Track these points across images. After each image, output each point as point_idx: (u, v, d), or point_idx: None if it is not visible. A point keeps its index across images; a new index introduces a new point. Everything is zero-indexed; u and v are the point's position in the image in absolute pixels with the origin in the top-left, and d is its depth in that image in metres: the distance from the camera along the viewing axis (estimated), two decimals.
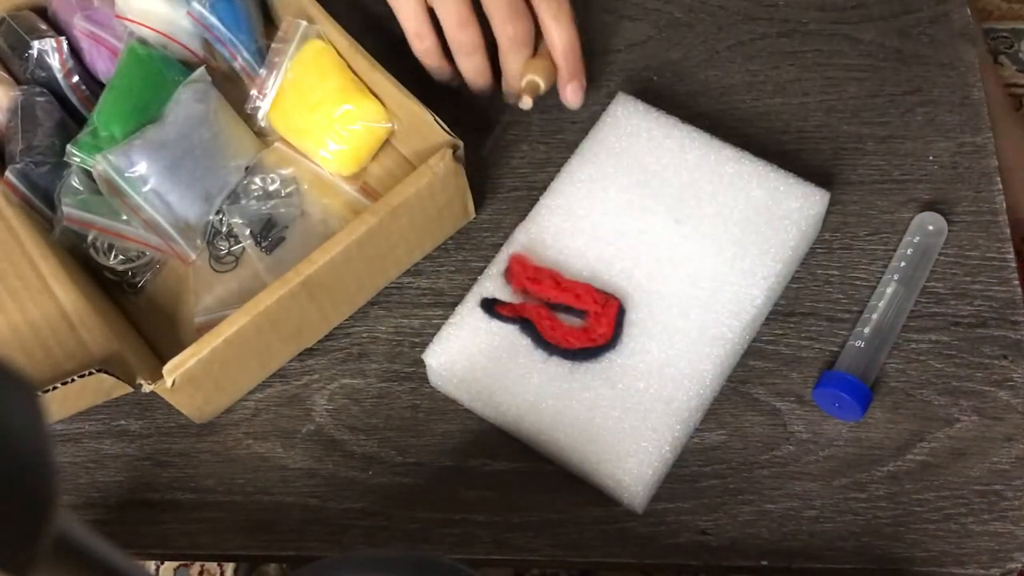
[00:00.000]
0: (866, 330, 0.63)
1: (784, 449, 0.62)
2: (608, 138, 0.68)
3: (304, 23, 0.70)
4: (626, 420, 0.59)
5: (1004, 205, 0.68)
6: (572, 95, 0.69)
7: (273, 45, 0.72)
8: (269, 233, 0.68)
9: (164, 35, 0.71)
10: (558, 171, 0.68)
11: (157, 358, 0.64)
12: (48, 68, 0.70)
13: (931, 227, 0.67)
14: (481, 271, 0.66)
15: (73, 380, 0.57)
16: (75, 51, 0.71)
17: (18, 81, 0.71)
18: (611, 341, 0.62)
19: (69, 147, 0.66)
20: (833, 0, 0.78)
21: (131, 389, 0.60)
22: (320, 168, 0.71)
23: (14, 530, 0.24)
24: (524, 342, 0.62)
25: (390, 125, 0.70)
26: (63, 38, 0.70)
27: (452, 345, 0.62)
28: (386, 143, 0.72)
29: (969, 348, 0.64)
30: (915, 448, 0.61)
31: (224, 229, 0.69)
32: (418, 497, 0.62)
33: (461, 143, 0.64)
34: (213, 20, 0.70)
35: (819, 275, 0.67)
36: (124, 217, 0.66)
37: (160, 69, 0.70)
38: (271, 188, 0.70)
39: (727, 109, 0.74)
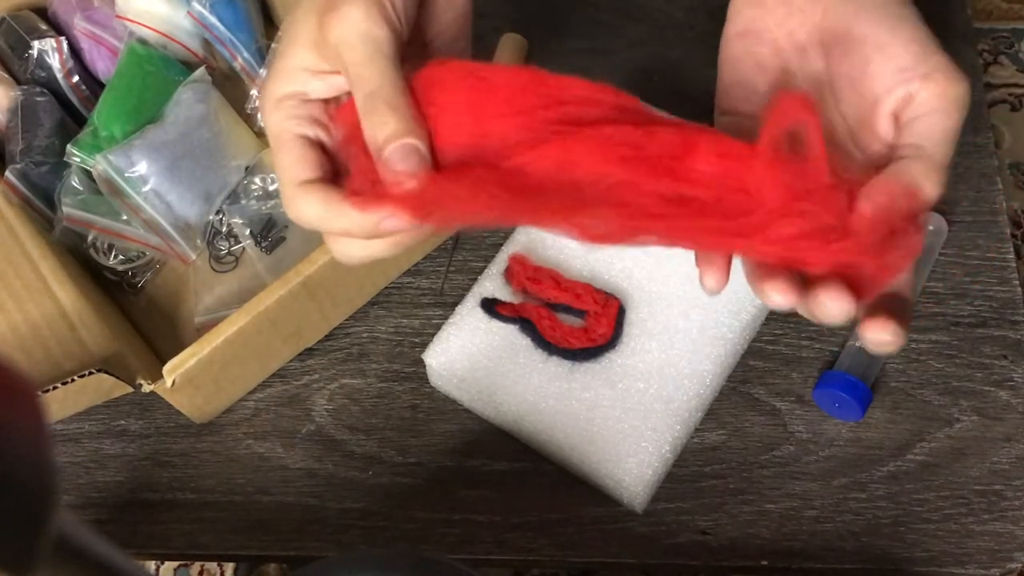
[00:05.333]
0: None
1: (784, 449, 0.62)
2: None
3: None
4: (626, 420, 0.59)
5: (1004, 205, 0.68)
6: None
7: (273, 45, 0.72)
8: (269, 233, 0.68)
9: (164, 35, 0.71)
10: None
11: (157, 358, 0.64)
12: (48, 68, 0.70)
13: (931, 227, 0.67)
14: (481, 271, 0.66)
15: (73, 380, 0.57)
16: (75, 51, 0.71)
17: (18, 81, 0.71)
18: (611, 341, 0.62)
19: (69, 147, 0.66)
20: None
21: (131, 389, 0.60)
22: None
23: (14, 530, 0.24)
24: (524, 342, 0.62)
25: None
26: (63, 38, 0.70)
27: (452, 345, 0.62)
28: None
29: (969, 348, 0.64)
30: (915, 448, 0.61)
31: (224, 229, 0.69)
32: (418, 497, 0.62)
33: None
34: (213, 20, 0.70)
35: None
36: (124, 217, 0.66)
37: (160, 69, 0.70)
38: (271, 188, 0.70)
39: None
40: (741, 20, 0.48)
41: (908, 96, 0.41)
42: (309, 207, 0.41)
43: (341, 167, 0.43)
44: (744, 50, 0.47)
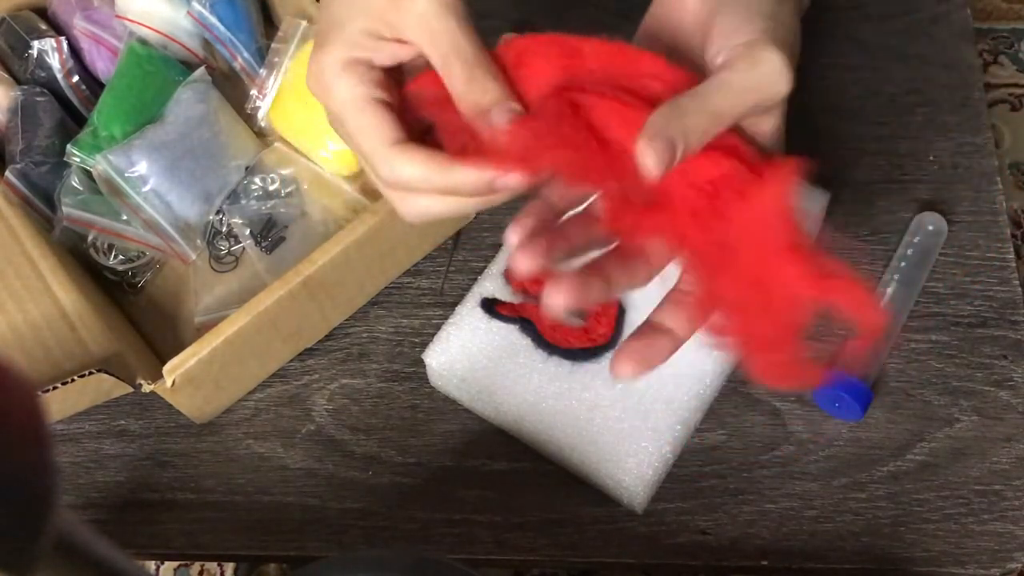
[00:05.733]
0: None
1: (784, 449, 0.62)
2: None
3: (304, 23, 0.70)
4: (626, 420, 0.59)
5: (1004, 205, 0.68)
6: None
7: (273, 45, 0.72)
8: (269, 233, 0.68)
9: (164, 35, 0.71)
10: None
11: (157, 358, 0.64)
12: (48, 68, 0.70)
13: (931, 227, 0.67)
14: (481, 271, 0.66)
15: (73, 380, 0.57)
16: (75, 51, 0.71)
17: (18, 81, 0.71)
18: (611, 341, 0.62)
19: (69, 147, 0.66)
20: (833, 0, 0.78)
21: (131, 389, 0.60)
22: (320, 168, 0.71)
23: (14, 530, 0.24)
24: (524, 342, 0.62)
25: None
26: (63, 38, 0.70)
27: (452, 345, 0.62)
28: None
29: (969, 348, 0.64)
30: (915, 448, 0.61)
31: (224, 229, 0.69)
32: (418, 497, 0.62)
33: None
34: (213, 20, 0.70)
35: None
36: (124, 217, 0.66)
37: (160, 69, 0.70)
38: (271, 188, 0.70)
39: None
40: (648, 20, 0.50)
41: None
42: (410, 166, 0.43)
43: (409, 128, 0.45)
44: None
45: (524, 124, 0.42)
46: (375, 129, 0.44)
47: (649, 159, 0.39)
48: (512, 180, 0.42)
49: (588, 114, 0.43)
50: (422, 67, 0.45)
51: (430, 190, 0.44)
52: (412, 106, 0.45)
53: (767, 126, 0.45)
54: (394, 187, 0.45)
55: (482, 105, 0.42)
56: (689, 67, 0.45)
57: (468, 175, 0.42)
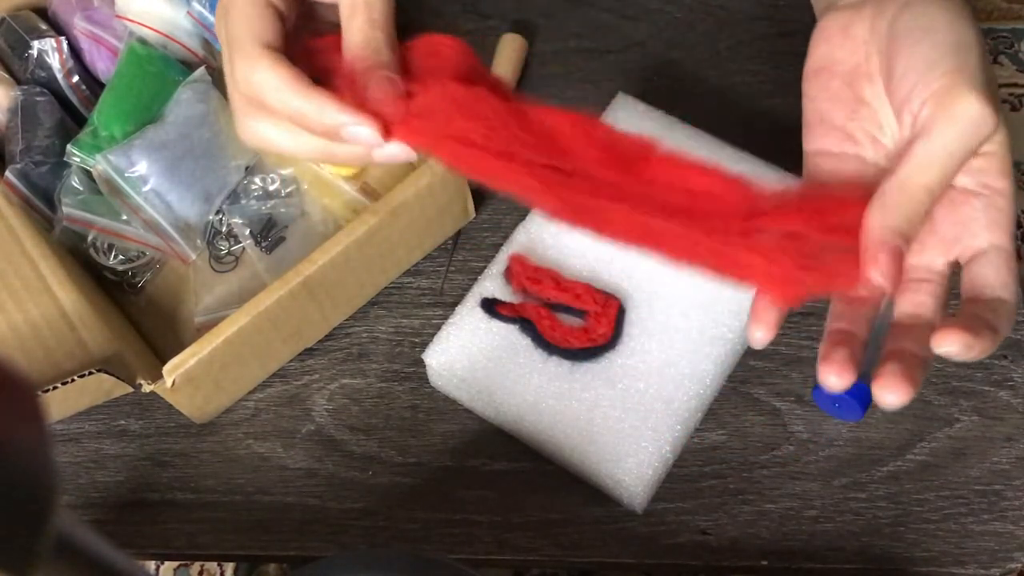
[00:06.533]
0: None
1: (784, 449, 0.62)
2: None
3: None
4: (626, 420, 0.59)
5: None
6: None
7: None
8: (269, 233, 0.68)
9: (164, 35, 0.71)
10: None
11: (157, 358, 0.64)
12: (48, 68, 0.70)
13: None
14: (481, 271, 0.66)
15: (73, 380, 0.57)
16: (75, 51, 0.71)
17: (18, 81, 0.71)
18: (611, 341, 0.62)
19: (69, 147, 0.66)
20: (834, 0, 0.78)
21: (131, 389, 0.60)
22: (320, 168, 0.71)
23: (14, 530, 0.24)
24: (524, 342, 0.62)
25: None
26: (63, 38, 0.70)
27: (452, 345, 0.62)
28: None
29: None
30: (915, 448, 0.61)
31: (224, 229, 0.69)
32: (418, 497, 0.62)
33: None
34: (213, 20, 0.70)
35: None
36: (124, 217, 0.66)
37: (160, 69, 0.70)
38: (271, 188, 0.70)
39: (727, 109, 0.74)
40: (815, 56, 0.48)
41: (915, 118, 0.41)
42: (269, 73, 0.40)
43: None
44: (819, 86, 0.47)
45: (420, 100, 0.41)
46: (254, 24, 0.41)
47: (877, 276, 0.39)
48: (364, 134, 0.40)
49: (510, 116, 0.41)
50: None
51: (279, 110, 0.41)
52: (311, 53, 0.43)
53: (984, 164, 0.42)
54: (245, 92, 0.42)
55: (372, 62, 0.41)
56: (872, 103, 0.45)
57: (323, 108, 0.40)
